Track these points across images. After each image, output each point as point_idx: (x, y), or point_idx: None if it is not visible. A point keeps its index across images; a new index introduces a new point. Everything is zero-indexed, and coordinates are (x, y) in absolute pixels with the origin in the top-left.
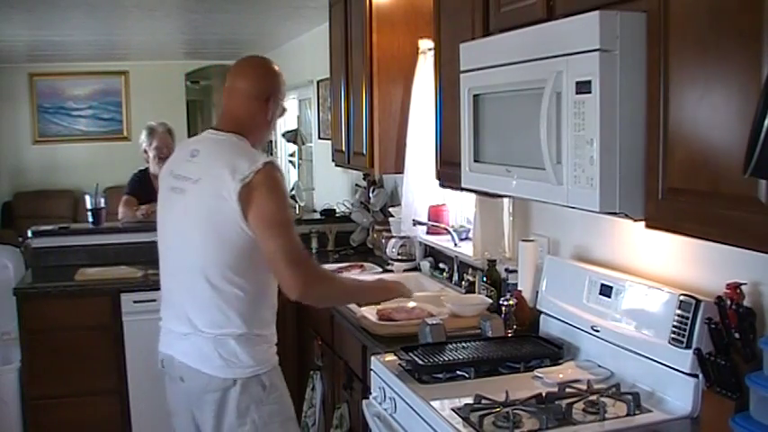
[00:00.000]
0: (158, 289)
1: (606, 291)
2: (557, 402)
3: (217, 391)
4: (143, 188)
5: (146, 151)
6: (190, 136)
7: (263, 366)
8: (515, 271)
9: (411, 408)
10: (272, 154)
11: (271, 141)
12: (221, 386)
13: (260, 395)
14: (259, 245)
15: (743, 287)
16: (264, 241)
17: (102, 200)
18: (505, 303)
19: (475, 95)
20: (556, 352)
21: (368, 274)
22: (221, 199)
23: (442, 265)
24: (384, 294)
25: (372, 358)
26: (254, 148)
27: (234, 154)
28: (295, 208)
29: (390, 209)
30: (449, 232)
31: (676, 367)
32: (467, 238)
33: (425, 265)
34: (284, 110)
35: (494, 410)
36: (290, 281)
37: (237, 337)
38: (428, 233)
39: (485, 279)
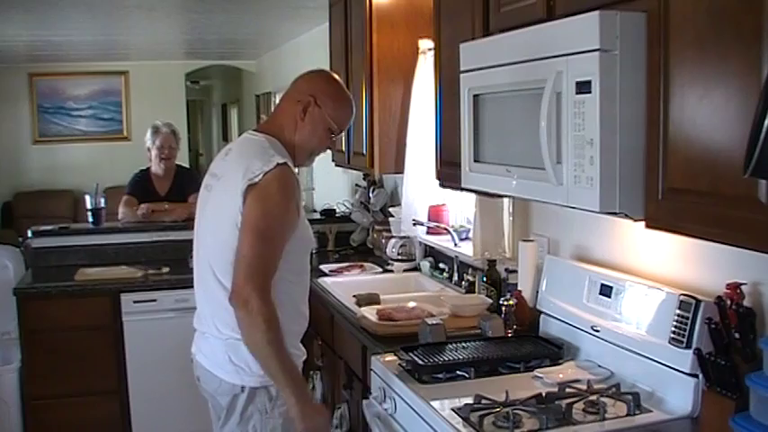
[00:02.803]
0: (158, 289)
1: (606, 291)
2: (557, 402)
3: (226, 395)
4: (143, 188)
5: (149, 149)
6: (189, 136)
7: None
8: (515, 271)
9: (411, 408)
10: None
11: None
12: (230, 391)
13: (265, 406)
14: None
15: (743, 287)
16: (239, 241)
17: (102, 200)
18: (505, 303)
19: (475, 95)
20: (556, 352)
21: (368, 274)
22: (230, 197)
23: (442, 265)
24: (300, 405)
25: (372, 358)
26: (296, 153)
27: (254, 154)
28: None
29: (390, 209)
30: (449, 232)
31: (676, 367)
32: (467, 238)
33: (425, 265)
34: (333, 121)
35: (494, 410)
36: (236, 287)
37: None
38: (428, 233)
39: (485, 279)
